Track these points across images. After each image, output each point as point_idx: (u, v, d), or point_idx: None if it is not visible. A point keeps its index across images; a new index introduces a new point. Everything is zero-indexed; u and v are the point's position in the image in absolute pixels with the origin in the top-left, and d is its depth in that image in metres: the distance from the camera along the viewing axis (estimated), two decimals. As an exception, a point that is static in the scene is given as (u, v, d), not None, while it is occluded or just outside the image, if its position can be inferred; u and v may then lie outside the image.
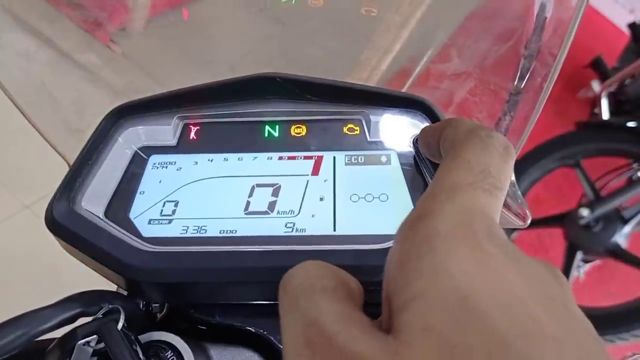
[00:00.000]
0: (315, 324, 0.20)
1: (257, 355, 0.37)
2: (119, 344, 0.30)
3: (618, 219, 1.89)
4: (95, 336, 0.32)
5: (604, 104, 2.16)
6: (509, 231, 2.06)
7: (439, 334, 0.17)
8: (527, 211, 0.39)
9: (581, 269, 1.97)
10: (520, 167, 2.07)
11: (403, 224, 0.23)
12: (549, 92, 0.34)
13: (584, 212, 1.89)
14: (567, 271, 1.93)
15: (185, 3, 0.45)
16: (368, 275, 0.32)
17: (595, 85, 2.37)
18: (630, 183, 1.91)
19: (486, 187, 0.24)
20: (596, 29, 3.16)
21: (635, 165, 1.95)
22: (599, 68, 2.52)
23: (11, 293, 1.56)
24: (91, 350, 0.32)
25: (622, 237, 1.88)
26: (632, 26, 2.47)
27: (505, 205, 0.38)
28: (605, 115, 2.14)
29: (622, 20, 2.76)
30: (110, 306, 0.33)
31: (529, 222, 0.39)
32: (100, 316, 0.32)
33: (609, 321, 1.77)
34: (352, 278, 0.24)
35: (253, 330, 0.37)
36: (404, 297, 0.19)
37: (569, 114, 2.41)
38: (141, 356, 0.31)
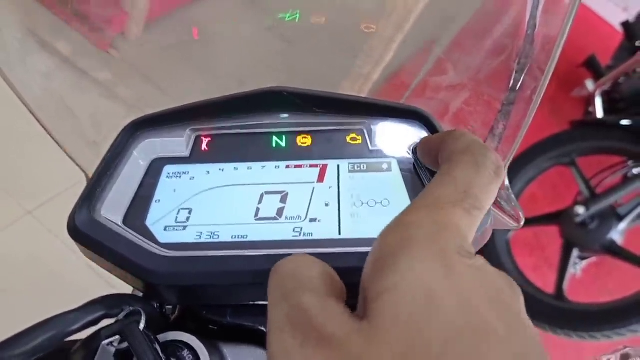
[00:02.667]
0: (298, 305, 0.23)
1: (265, 352, 0.39)
2: (142, 343, 0.32)
3: (613, 216, 1.91)
4: (117, 337, 0.34)
5: (598, 103, 2.18)
6: (507, 230, 2.08)
7: (406, 322, 0.21)
8: (520, 213, 0.41)
9: (577, 266, 2.00)
10: (516, 166, 2.10)
11: (385, 229, 0.26)
12: (539, 102, 0.37)
13: (580, 209, 1.91)
14: (563, 268, 1.95)
15: (186, 3, 0.47)
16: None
17: (589, 84, 2.39)
18: (625, 180, 1.93)
19: (466, 206, 0.26)
20: (590, 27, 3.17)
21: (630, 163, 1.97)
22: (592, 67, 2.54)
23: (13, 299, 1.58)
24: (114, 350, 0.34)
25: (617, 234, 1.91)
26: (625, 24, 2.49)
27: (500, 208, 0.40)
28: (600, 113, 2.16)
29: (615, 18, 2.78)
30: (131, 308, 0.35)
31: (522, 223, 0.42)
32: (122, 318, 0.34)
33: (606, 317, 1.79)
34: (335, 273, 0.27)
35: (264, 330, 0.39)
36: (379, 289, 0.22)
37: (564, 113, 2.43)
38: (161, 355, 0.33)
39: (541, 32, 0.36)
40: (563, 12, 0.37)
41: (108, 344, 0.34)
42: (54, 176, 1.88)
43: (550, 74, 0.35)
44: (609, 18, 3.10)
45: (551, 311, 1.86)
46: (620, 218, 1.91)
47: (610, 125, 2.01)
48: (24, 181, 1.92)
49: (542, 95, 0.36)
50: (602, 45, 2.71)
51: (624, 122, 1.94)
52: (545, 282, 2.01)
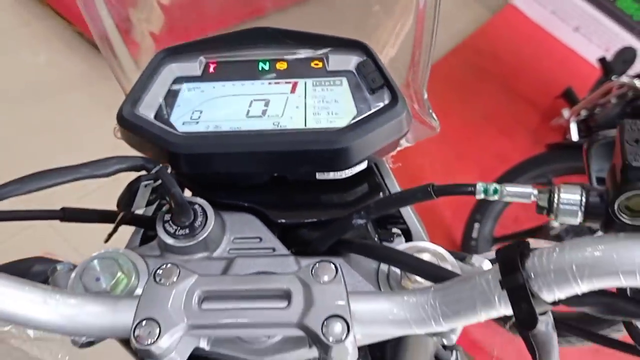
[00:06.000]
0: None
1: (256, 218, 0.54)
2: (172, 180, 0.48)
3: (586, 229, 2.05)
4: (152, 181, 0.49)
5: (573, 128, 2.34)
6: (489, 244, 2.23)
7: None
8: (435, 123, 0.57)
9: (556, 277, 2.12)
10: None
11: None
12: (428, 52, 0.54)
13: (555, 223, 2.05)
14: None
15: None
16: (324, 145, 0.50)
17: (566, 113, 2.55)
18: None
19: None
20: (572, 66, 3.40)
21: (602, 182, 2.12)
22: (569, 98, 2.74)
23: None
24: (150, 188, 0.49)
25: (590, 246, 2.03)
26: (602, 61, 2.69)
27: (419, 118, 0.57)
28: (575, 137, 2.32)
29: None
30: (161, 165, 0.50)
31: (438, 130, 0.57)
32: (154, 172, 0.50)
33: (581, 322, 1.91)
34: None
35: (252, 206, 0.55)
36: None
37: (544, 142, 2.60)
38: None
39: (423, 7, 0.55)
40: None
41: (146, 185, 0.49)
42: (66, 185, 2.02)
43: (426, 34, 0.53)
44: (591, 58, 3.25)
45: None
46: (593, 232, 2.04)
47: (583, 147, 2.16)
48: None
49: (429, 49, 0.54)
50: (582, 82, 2.89)
51: (596, 145, 2.08)
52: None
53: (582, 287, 0.34)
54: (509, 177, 2.25)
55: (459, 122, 2.76)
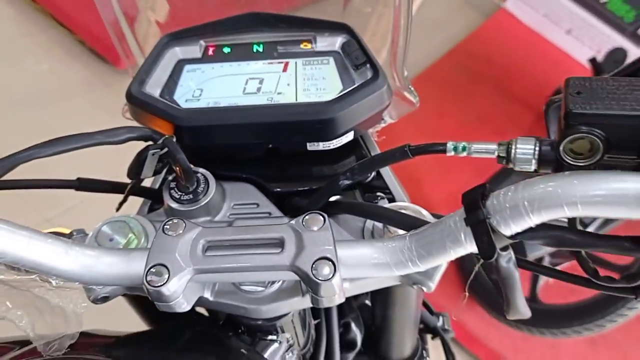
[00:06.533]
0: None
1: (252, 186, 0.60)
2: (176, 146, 0.53)
3: (580, 224, 2.10)
4: (159, 150, 0.54)
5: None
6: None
7: None
8: (413, 99, 0.63)
9: (550, 271, 2.17)
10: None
11: None
12: (406, 34, 0.60)
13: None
14: (536, 274, 2.13)
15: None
16: (313, 116, 0.56)
17: (556, 110, 2.60)
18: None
19: None
20: (565, 69, 3.45)
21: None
22: (560, 97, 2.78)
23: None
24: (157, 157, 0.55)
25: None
26: (593, 61, 2.74)
27: (399, 94, 0.62)
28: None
29: (590, 61, 2.97)
30: (167, 135, 0.55)
31: (417, 105, 0.63)
32: (161, 141, 0.55)
33: (574, 315, 1.97)
34: None
35: (250, 177, 0.60)
36: None
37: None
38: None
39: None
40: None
41: (153, 154, 0.54)
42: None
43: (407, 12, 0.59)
44: (583, 60, 3.29)
45: (526, 312, 2.04)
46: (585, 226, 2.10)
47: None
48: (44, 192, 2.11)
49: (405, 29, 0.60)
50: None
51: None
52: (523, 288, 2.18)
53: (534, 220, 0.39)
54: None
55: (454, 124, 2.81)
